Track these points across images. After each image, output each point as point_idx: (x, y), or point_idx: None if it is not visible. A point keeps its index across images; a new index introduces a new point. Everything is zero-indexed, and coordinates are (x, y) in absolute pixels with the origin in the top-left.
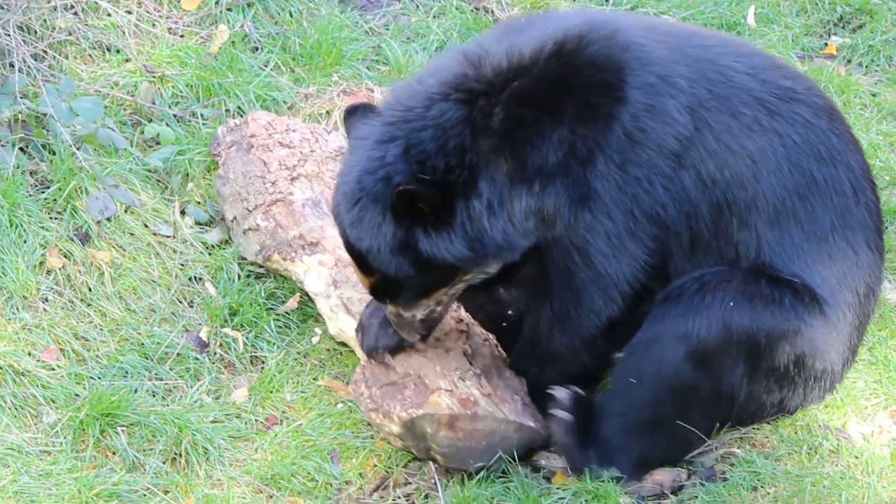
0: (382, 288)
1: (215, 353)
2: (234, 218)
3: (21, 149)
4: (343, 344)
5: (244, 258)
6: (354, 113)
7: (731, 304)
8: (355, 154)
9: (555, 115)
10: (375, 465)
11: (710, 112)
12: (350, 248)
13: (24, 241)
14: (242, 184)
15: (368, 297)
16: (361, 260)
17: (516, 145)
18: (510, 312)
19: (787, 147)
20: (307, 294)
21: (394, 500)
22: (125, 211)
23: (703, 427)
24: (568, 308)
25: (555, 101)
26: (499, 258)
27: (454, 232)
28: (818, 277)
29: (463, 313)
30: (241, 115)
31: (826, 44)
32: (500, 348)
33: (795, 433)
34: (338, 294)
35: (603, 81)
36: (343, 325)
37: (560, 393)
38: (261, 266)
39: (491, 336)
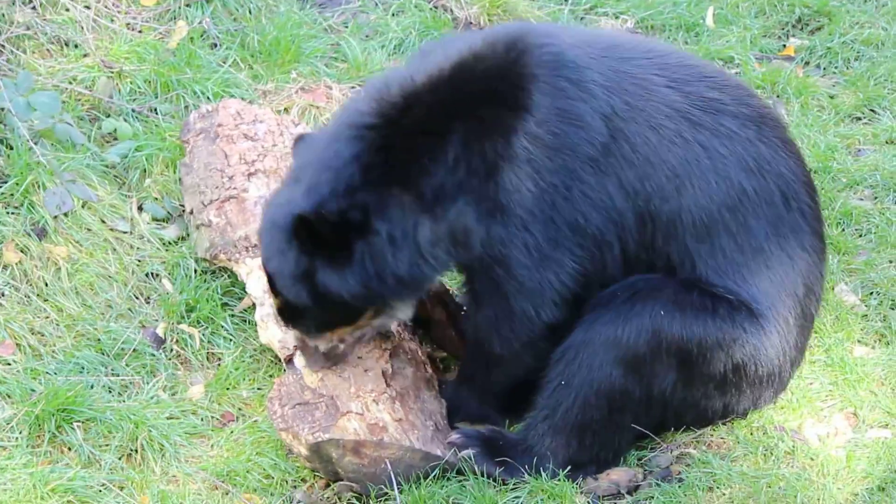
0: (287, 312)
1: (172, 350)
2: (192, 210)
3: None
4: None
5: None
6: (298, 142)
7: (662, 312)
8: (278, 188)
9: (445, 136)
10: None
11: (627, 123)
12: (264, 266)
13: None
14: (203, 175)
15: None
16: (270, 281)
17: (411, 176)
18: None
19: (713, 160)
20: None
21: (348, 500)
22: (82, 206)
23: (633, 431)
24: (501, 317)
25: (446, 123)
26: (400, 296)
27: (351, 269)
28: (754, 288)
29: (393, 327)
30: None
31: (784, 45)
32: (427, 367)
33: (751, 434)
34: (270, 303)
35: (499, 92)
36: (271, 336)
37: (454, 438)
38: (211, 263)
39: (420, 351)
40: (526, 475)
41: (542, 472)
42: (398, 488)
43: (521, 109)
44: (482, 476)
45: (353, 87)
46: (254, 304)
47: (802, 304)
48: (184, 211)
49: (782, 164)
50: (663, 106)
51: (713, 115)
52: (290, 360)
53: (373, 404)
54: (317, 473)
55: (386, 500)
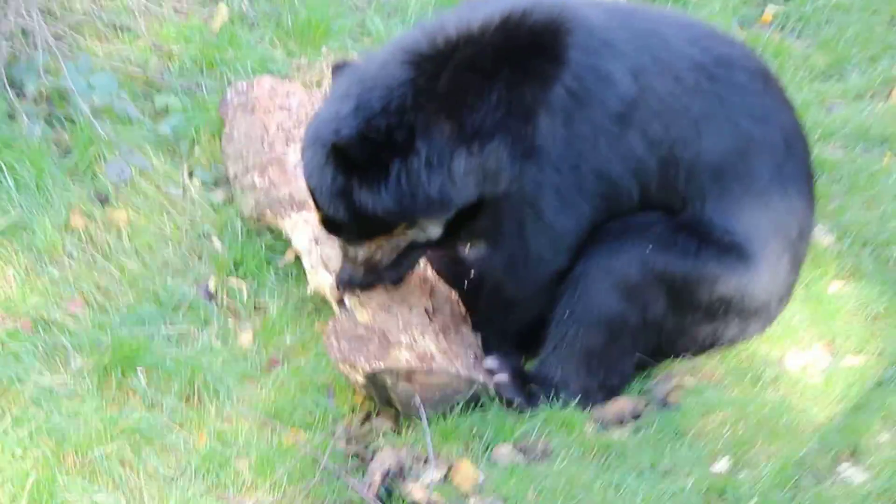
0: (328, 224)
1: (222, 302)
2: (235, 175)
3: (45, 120)
4: None
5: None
6: (338, 69)
7: (648, 249)
8: (323, 105)
9: (492, 78)
10: (365, 400)
11: (653, 76)
12: (306, 182)
13: (50, 204)
14: (244, 143)
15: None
16: (312, 195)
17: (456, 107)
18: (472, 272)
19: (727, 108)
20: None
21: (383, 431)
22: (139, 174)
23: (633, 354)
24: (518, 259)
25: (494, 65)
26: (429, 215)
27: (387, 187)
28: (752, 229)
29: (429, 272)
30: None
31: (763, 12)
32: (461, 305)
33: (740, 364)
34: (318, 250)
35: (543, 45)
36: (321, 281)
37: (490, 363)
38: (258, 221)
39: (454, 293)
40: (541, 405)
41: (557, 402)
42: (426, 421)
43: (559, 63)
44: (505, 403)
45: None
46: (297, 258)
47: (795, 246)
48: (227, 177)
49: (784, 115)
50: (685, 59)
51: (727, 69)
52: (341, 302)
53: (420, 337)
54: (354, 410)
55: (416, 430)
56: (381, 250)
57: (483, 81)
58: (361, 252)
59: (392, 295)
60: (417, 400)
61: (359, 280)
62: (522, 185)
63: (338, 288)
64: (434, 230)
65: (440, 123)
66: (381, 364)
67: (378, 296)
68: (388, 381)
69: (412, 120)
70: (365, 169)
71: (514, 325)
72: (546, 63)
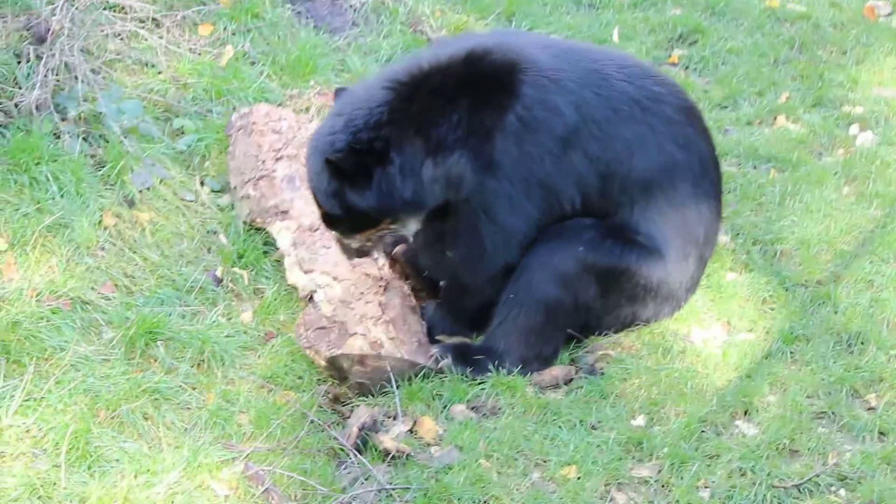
0: (327, 219)
1: (227, 286)
2: (235, 186)
3: (83, 138)
4: None
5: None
6: (338, 92)
7: (581, 248)
8: (322, 122)
9: (455, 102)
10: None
11: (594, 107)
12: (309, 185)
13: (87, 206)
14: (242, 160)
15: (318, 256)
16: (314, 196)
17: (424, 125)
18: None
19: (656, 135)
20: None
21: (357, 394)
22: (160, 183)
23: (565, 331)
24: (474, 254)
25: (457, 92)
26: (407, 212)
27: (370, 190)
28: (668, 234)
29: (385, 272)
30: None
31: (670, 55)
32: (412, 297)
33: (654, 339)
34: (295, 253)
35: (499, 80)
36: (296, 278)
37: (433, 351)
38: (251, 225)
39: (406, 288)
40: (489, 373)
41: (501, 369)
42: (396, 385)
43: (513, 96)
44: (457, 375)
45: None
46: (284, 255)
47: (700, 248)
48: (230, 187)
49: (701, 143)
50: (622, 94)
51: (656, 103)
52: (310, 297)
53: (373, 327)
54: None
55: (386, 394)
56: (370, 241)
57: (447, 104)
58: (354, 243)
59: (352, 292)
60: (388, 371)
61: (352, 256)
62: (481, 193)
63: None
64: (412, 225)
65: (411, 138)
66: (339, 351)
67: (340, 293)
68: (345, 364)
69: (388, 134)
70: (353, 175)
71: (469, 307)
72: (502, 95)
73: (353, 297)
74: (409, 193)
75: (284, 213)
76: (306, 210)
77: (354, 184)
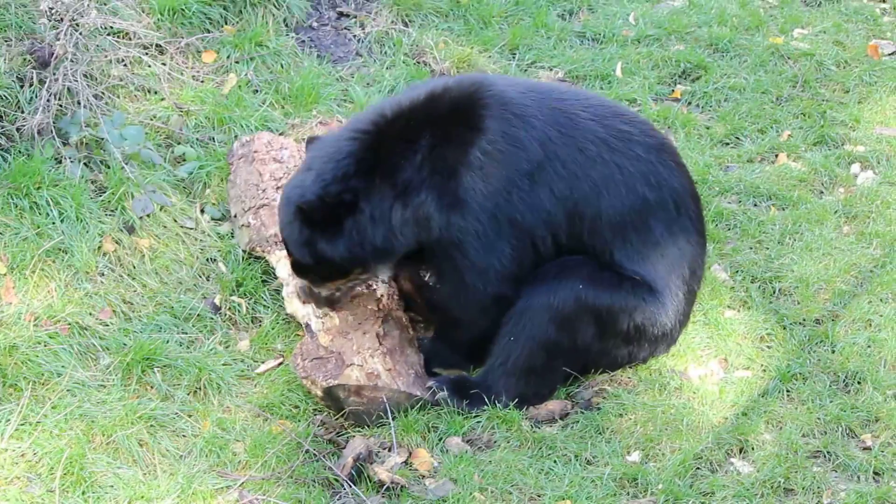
0: (297, 267)
1: (225, 315)
2: (235, 214)
3: (85, 164)
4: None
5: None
6: (309, 142)
7: (581, 286)
8: (295, 173)
9: (416, 143)
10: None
11: (558, 146)
12: (280, 234)
13: (87, 231)
14: (243, 189)
15: None
16: (285, 245)
17: (389, 171)
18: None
19: (625, 176)
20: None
21: (353, 425)
22: (160, 210)
23: (563, 373)
24: (458, 290)
25: (418, 133)
26: (377, 260)
27: (342, 239)
28: (652, 270)
29: (382, 303)
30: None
31: (673, 90)
32: (410, 329)
33: (650, 375)
34: (294, 283)
35: (462, 115)
36: (294, 308)
37: (430, 383)
38: (250, 254)
39: (404, 319)
40: (484, 407)
41: (497, 405)
42: (392, 416)
43: (477, 130)
44: (453, 407)
45: None
46: (283, 284)
47: (688, 283)
48: (234, 212)
49: (675, 180)
50: (588, 133)
51: (625, 143)
52: (308, 326)
53: (370, 358)
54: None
55: (382, 425)
56: (339, 291)
57: (409, 146)
58: (324, 291)
59: (350, 323)
60: (384, 402)
61: (321, 305)
62: (449, 231)
63: (300, 297)
64: (383, 273)
65: (378, 185)
66: (335, 381)
67: (338, 323)
68: (341, 394)
69: (356, 185)
70: (324, 226)
71: (464, 339)
72: (465, 130)
73: (351, 327)
74: (380, 240)
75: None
76: None
77: (325, 233)
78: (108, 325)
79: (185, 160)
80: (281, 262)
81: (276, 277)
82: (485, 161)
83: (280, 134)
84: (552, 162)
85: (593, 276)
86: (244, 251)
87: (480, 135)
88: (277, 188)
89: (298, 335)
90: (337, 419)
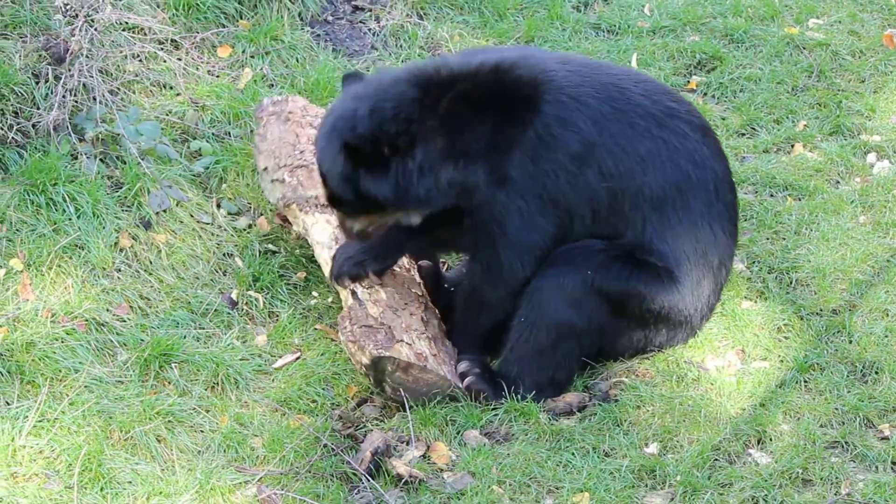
0: (333, 199)
1: (243, 310)
2: (266, 168)
3: (101, 160)
4: (334, 301)
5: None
6: (349, 77)
7: (589, 272)
8: (340, 102)
9: (482, 114)
10: (358, 391)
11: (611, 122)
12: (319, 165)
13: (103, 227)
14: (277, 144)
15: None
16: (323, 177)
17: (450, 129)
18: (451, 289)
19: (670, 151)
20: (310, 269)
21: (373, 416)
22: (176, 205)
23: (578, 355)
24: (493, 267)
25: (485, 104)
26: (418, 209)
27: (387, 180)
28: (682, 255)
29: (423, 289)
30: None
31: (688, 81)
32: (442, 323)
33: (668, 366)
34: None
35: (523, 96)
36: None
37: (462, 366)
38: (273, 243)
39: (438, 312)
40: (503, 399)
41: (516, 396)
42: (409, 409)
43: (534, 112)
44: (475, 394)
45: None
46: (306, 275)
47: (715, 274)
48: (250, 206)
49: (717, 164)
50: (638, 108)
51: (672, 119)
52: (354, 294)
53: (416, 339)
54: (349, 399)
55: (400, 417)
56: (372, 225)
57: (475, 114)
58: (357, 225)
59: (397, 300)
60: (402, 391)
61: (348, 270)
62: (493, 207)
63: (332, 278)
64: (416, 218)
65: (436, 138)
66: (387, 353)
67: (385, 297)
68: (389, 367)
69: (415, 130)
70: (371, 164)
71: (486, 324)
72: (524, 111)
73: (399, 304)
74: (423, 192)
75: (325, 206)
76: None
77: (370, 172)
78: (125, 321)
79: (200, 155)
80: (319, 225)
81: (294, 272)
82: (537, 143)
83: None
84: (603, 139)
85: (604, 265)
86: (274, 206)
87: (536, 117)
88: (314, 153)
89: (316, 329)
90: (355, 412)
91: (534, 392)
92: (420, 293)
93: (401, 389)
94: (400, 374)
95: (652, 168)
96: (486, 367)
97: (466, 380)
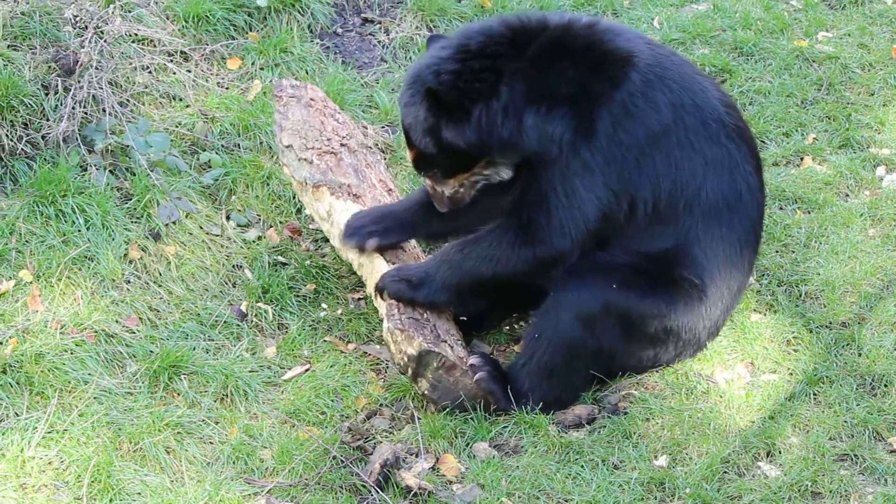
0: (419, 161)
1: (252, 321)
2: (290, 145)
3: (110, 171)
4: (343, 313)
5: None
6: (433, 39)
7: (613, 286)
8: (425, 54)
9: (576, 59)
10: (367, 403)
11: (688, 114)
12: (402, 121)
13: (113, 239)
14: (301, 125)
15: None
16: (406, 133)
17: (538, 72)
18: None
19: (732, 165)
20: (319, 281)
21: (383, 428)
22: (186, 216)
23: (587, 375)
24: (533, 224)
25: (579, 52)
26: (503, 152)
27: (469, 125)
28: (714, 273)
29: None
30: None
31: None
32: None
33: (677, 379)
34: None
35: (615, 60)
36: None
37: (473, 360)
38: (282, 255)
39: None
40: (510, 404)
41: (523, 408)
42: (419, 420)
43: (625, 77)
44: (487, 393)
45: (383, 127)
46: (315, 288)
47: (734, 297)
48: (260, 218)
49: (760, 196)
50: (714, 111)
51: (739, 138)
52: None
53: (455, 345)
54: (358, 410)
55: (409, 429)
56: (462, 187)
57: (565, 58)
58: (447, 190)
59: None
60: (438, 390)
61: (445, 205)
62: (570, 161)
63: (377, 293)
64: (505, 171)
65: (522, 79)
66: (436, 349)
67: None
68: (433, 363)
69: (501, 67)
70: (452, 109)
71: (480, 272)
72: (618, 74)
73: (433, 314)
74: (508, 134)
75: (357, 196)
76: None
77: (452, 118)
78: (134, 333)
79: (210, 167)
80: (347, 212)
81: (303, 284)
82: (620, 111)
83: None
84: (677, 127)
85: (624, 280)
86: (300, 183)
87: (624, 84)
88: (342, 145)
89: (326, 341)
90: (365, 424)
91: (539, 408)
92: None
93: (438, 388)
94: (442, 373)
95: (713, 174)
96: (497, 367)
97: (478, 375)
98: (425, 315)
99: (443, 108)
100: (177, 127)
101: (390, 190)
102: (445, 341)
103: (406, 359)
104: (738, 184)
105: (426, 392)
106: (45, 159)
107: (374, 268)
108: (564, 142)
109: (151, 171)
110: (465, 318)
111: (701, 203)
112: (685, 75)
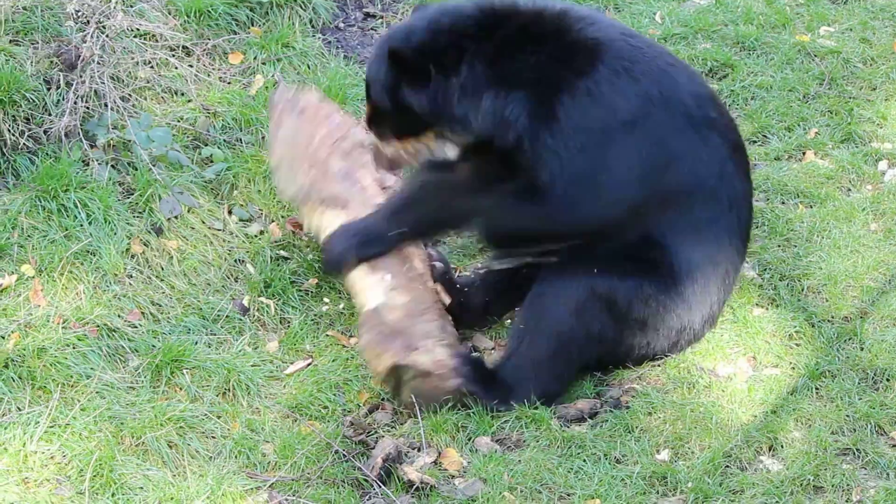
0: (374, 117)
1: (254, 316)
2: (279, 165)
3: (112, 166)
4: (346, 308)
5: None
6: (418, 8)
7: (595, 270)
8: (402, 23)
9: (540, 46)
10: (369, 397)
11: (656, 107)
12: (366, 75)
13: (115, 233)
14: (291, 139)
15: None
16: (367, 87)
17: (501, 56)
18: (465, 289)
19: (698, 154)
20: (321, 275)
21: (385, 423)
22: (188, 211)
23: (576, 364)
24: (527, 190)
25: (544, 38)
26: (453, 129)
27: (426, 92)
28: (694, 256)
29: (444, 297)
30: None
31: None
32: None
33: (679, 373)
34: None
35: (584, 49)
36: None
37: (453, 362)
38: (284, 249)
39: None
40: (495, 401)
41: (514, 403)
42: (421, 416)
43: (589, 65)
44: (467, 394)
45: None
46: (318, 282)
47: (724, 282)
48: (262, 213)
49: (738, 182)
50: (681, 105)
51: (708, 129)
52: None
53: (434, 347)
54: (360, 405)
55: (411, 423)
56: (406, 151)
57: (529, 44)
58: (390, 149)
59: (414, 308)
60: (415, 399)
61: (383, 165)
62: (535, 144)
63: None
64: (451, 150)
65: (484, 61)
66: (405, 360)
67: (405, 304)
68: (405, 375)
69: (467, 46)
70: (413, 75)
71: (466, 211)
72: (584, 63)
73: (417, 312)
74: (461, 113)
75: (344, 205)
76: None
77: (412, 82)
78: (136, 327)
79: (212, 161)
80: (329, 229)
81: (305, 279)
82: (586, 99)
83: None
84: (645, 119)
85: (607, 266)
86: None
87: (593, 70)
88: (332, 150)
89: (328, 335)
90: (367, 419)
91: (528, 400)
92: (441, 301)
93: (421, 396)
94: (418, 382)
95: (676, 165)
96: (479, 366)
97: (453, 382)
98: (399, 325)
99: (404, 70)
100: (179, 122)
101: (385, 188)
102: (418, 348)
103: (381, 375)
104: (703, 172)
105: (405, 401)
106: (46, 154)
107: (365, 286)
108: (520, 126)
109: (153, 165)
110: (467, 313)
111: (671, 190)
112: (656, 67)
